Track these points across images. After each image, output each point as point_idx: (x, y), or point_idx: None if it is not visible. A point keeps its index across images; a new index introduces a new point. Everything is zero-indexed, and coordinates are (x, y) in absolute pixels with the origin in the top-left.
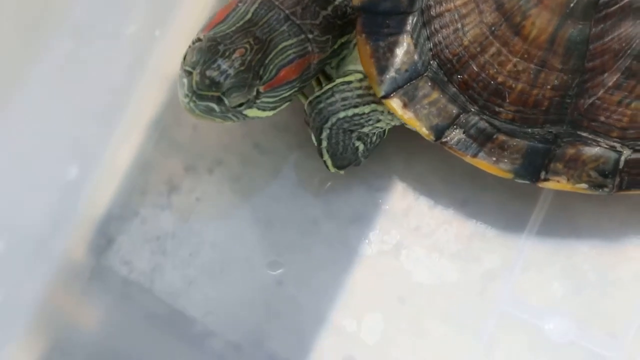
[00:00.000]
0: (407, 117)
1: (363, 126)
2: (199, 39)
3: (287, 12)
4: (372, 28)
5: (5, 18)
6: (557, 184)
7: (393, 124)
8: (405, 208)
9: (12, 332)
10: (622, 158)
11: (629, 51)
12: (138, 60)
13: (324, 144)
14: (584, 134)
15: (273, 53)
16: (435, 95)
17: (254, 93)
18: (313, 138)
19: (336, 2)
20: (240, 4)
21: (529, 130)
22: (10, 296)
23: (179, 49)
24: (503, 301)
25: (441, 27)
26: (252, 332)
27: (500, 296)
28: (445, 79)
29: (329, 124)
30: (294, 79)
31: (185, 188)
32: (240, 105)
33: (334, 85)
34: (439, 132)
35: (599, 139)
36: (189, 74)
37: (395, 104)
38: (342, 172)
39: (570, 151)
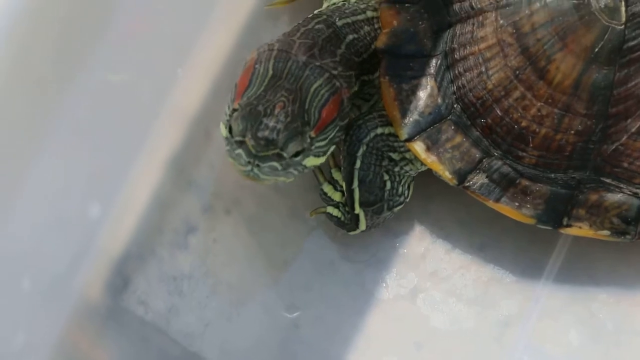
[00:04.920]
0: (430, 160)
1: (395, 150)
2: (234, 110)
3: (304, 58)
4: (396, 71)
5: (32, 59)
6: (579, 230)
7: (419, 166)
8: (422, 252)
9: None
10: None
11: None
12: (158, 98)
13: (358, 163)
14: (607, 180)
15: (309, 98)
16: (459, 139)
17: (308, 140)
18: (345, 164)
19: (347, 40)
20: (257, 65)
21: (552, 175)
22: (31, 336)
23: (198, 88)
24: (520, 348)
25: (465, 70)
26: None
27: (517, 343)
28: (469, 122)
29: (367, 139)
30: (335, 116)
31: (202, 228)
32: (298, 154)
33: (371, 106)
34: (462, 177)
35: (622, 185)
36: (241, 143)
37: (418, 147)
38: (362, 227)
39: (593, 197)
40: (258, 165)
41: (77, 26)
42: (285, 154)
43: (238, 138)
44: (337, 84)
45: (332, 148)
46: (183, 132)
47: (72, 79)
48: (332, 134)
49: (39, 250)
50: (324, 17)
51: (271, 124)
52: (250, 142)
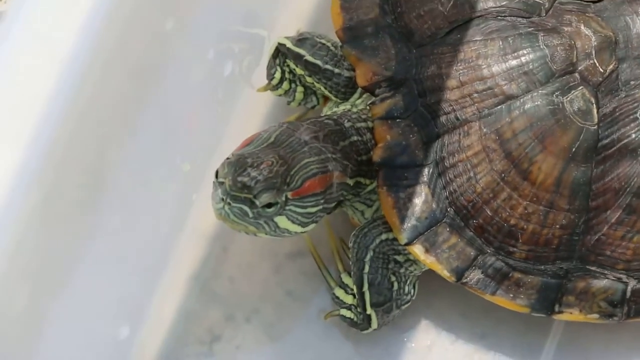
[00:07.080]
0: (430, 261)
1: (399, 253)
2: (227, 158)
3: (307, 138)
4: (392, 181)
5: (61, 191)
6: (570, 315)
7: (422, 266)
8: (428, 344)
9: None
10: (629, 288)
11: (628, 189)
12: (177, 221)
13: (366, 268)
14: (592, 268)
15: (297, 167)
16: (454, 239)
17: (283, 198)
18: (355, 269)
19: (351, 139)
20: (263, 133)
21: (542, 267)
22: None
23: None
24: None
25: (455, 177)
26: None
27: None
28: (462, 224)
29: (373, 245)
30: (319, 192)
31: (225, 337)
32: (270, 206)
33: (375, 212)
34: (459, 274)
35: (606, 272)
36: (222, 184)
37: (417, 250)
38: (374, 326)
39: (581, 284)
40: (229, 204)
41: (102, 149)
42: (257, 202)
43: (220, 179)
44: (330, 167)
45: (312, 225)
46: (202, 250)
47: (94, 205)
48: (312, 209)
49: None
50: (334, 117)
51: (253, 174)
52: (229, 182)
